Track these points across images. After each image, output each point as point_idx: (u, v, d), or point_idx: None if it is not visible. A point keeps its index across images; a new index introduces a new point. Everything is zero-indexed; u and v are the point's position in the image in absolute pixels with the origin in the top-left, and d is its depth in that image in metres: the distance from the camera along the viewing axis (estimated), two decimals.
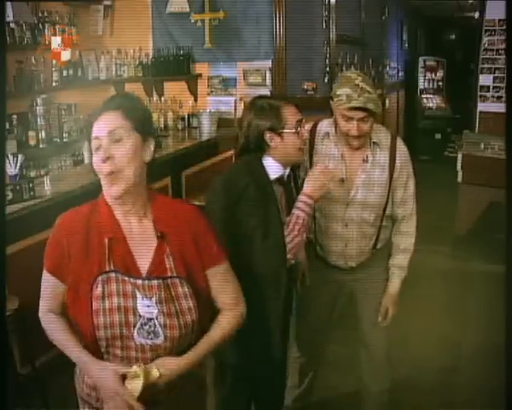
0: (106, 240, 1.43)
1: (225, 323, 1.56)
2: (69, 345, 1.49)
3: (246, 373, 2.09)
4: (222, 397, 2.16)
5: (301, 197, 2.01)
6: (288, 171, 2.06)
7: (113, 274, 1.42)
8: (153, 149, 1.49)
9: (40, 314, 1.55)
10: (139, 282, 1.42)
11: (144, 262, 1.45)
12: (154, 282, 1.43)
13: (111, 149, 1.41)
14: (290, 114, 1.99)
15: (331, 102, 2.25)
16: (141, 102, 1.56)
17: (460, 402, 2.70)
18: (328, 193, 2.24)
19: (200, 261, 1.50)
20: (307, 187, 2.01)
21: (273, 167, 2.00)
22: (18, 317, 2.55)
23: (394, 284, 2.40)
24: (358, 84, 2.11)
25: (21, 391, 2.69)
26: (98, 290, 1.41)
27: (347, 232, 2.30)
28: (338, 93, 2.16)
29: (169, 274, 1.44)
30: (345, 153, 2.27)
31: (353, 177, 2.26)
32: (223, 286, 1.54)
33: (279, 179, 2.03)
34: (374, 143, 2.27)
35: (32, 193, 2.99)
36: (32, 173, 3.43)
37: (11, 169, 3.15)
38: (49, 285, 1.52)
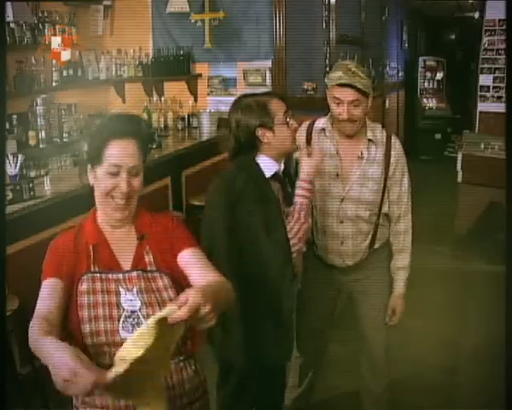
0: (90, 246, 1.52)
1: (216, 283, 1.44)
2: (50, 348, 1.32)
3: (250, 374, 2.09)
4: (225, 399, 2.17)
5: (299, 183, 2.03)
6: (282, 165, 2.07)
7: (97, 274, 1.49)
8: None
9: (31, 323, 1.41)
10: (120, 276, 1.49)
11: (127, 262, 1.53)
12: (134, 273, 1.50)
13: (131, 183, 1.49)
14: (277, 108, 2.00)
15: (327, 90, 2.30)
16: (153, 131, 1.64)
17: (460, 402, 2.70)
18: (324, 188, 2.26)
19: (173, 252, 1.54)
20: (301, 172, 2.04)
21: (268, 164, 2.02)
22: (18, 317, 2.55)
23: (399, 286, 2.41)
24: (351, 69, 2.17)
25: (21, 391, 2.69)
26: (83, 287, 1.47)
27: (342, 229, 2.31)
28: (331, 76, 2.22)
29: (149, 268, 1.51)
30: (340, 149, 2.29)
31: (348, 173, 2.28)
32: (199, 271, 1.51)
33: (275, 175, 2.04)
34: (369, 140, 2.28)
35: (32, 193, 2.98)
36: (32, 173, 3.41)
37: (11, 169, 3.15)
38: (47, 289, 1.48)
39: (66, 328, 1.47)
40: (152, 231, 1.56)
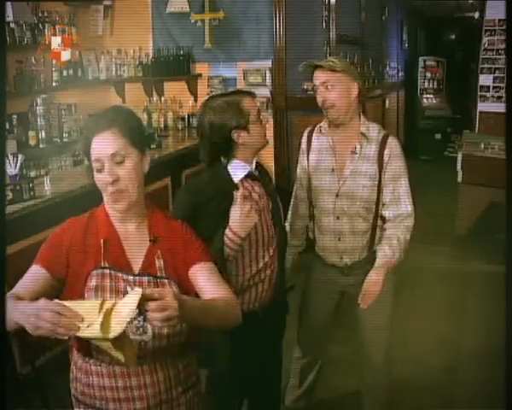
0: (101, 241, 1.50)
1: (218, 301, 1.48)
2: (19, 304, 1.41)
3: (236, 377, 2.07)
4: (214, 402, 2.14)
5: (228, 234, 1.87)
6: (254, 164, 2.02)
7: (107, 271, 1.48)
8: (149, 159, 1.55)
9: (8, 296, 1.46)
10: (130, 278, 1.49)
11: (137, 262, 1.52)
12: (145, 278, 1.49)
13: (115, 172, 1.46)
14: (250, 106, 1.96)
15: None
16: (133, 114, 1.58)
17: (460, 402, 2.70)
18: (320, 184, 2.30)
19: (185, 264, 1.53)
20: (234, 224, 1.86)
21: (239, 168, 1.98)
22: None
23: (381, 255, 2.28)
24: (327, 57, 2.24)
25: (21, 391, 2.69)
26: (92, 283, 1.47)
27: (339, 225, 2.32)
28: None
29: (158, 274, 1.51)
30: (335, 144, 2.32)
31: (342, 167, 2.30)
32: (210, 286, 1.52)
33: (250, 176, 2.00)
34: (362, 134, 2.29)
35: (32, 193, 2.98)
36: (32, 173, 3.42)
37: (11, 169, 3.15)
38: (34, 275, 1.50)
39: None
40: (165, 235, 1.55)
